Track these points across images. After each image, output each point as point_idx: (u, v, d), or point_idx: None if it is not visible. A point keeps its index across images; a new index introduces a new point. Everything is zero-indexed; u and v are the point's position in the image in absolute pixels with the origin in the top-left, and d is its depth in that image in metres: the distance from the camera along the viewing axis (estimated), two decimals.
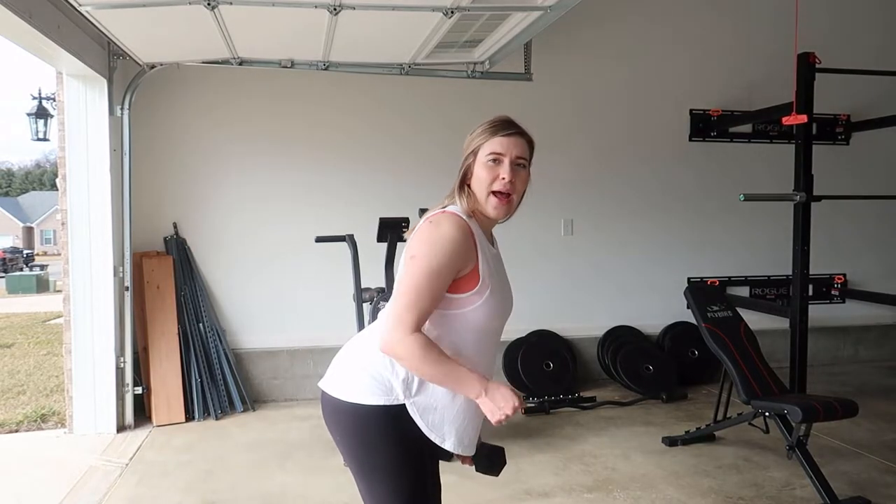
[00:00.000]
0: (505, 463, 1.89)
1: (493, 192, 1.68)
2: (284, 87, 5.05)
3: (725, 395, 3.95)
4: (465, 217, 1.67)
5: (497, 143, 1.68)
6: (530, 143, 1.74)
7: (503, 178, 1.67)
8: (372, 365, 1.68)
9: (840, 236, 6.03)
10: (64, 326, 4.45)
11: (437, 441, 1.69)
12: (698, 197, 5.86)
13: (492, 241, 1.80)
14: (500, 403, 1.58)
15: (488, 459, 1.86)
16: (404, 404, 1.65)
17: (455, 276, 1.63)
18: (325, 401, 1.75)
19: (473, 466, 1.87)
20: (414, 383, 1.66)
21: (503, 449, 1.89)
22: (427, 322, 1.63)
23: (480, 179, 1.69)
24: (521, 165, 1.70)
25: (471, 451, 1.78)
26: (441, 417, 1.68)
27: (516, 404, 1.58)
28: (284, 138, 5.14)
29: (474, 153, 1.70)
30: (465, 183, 1.72)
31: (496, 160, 1.68)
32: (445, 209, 1.69)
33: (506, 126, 1.70)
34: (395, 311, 1.60)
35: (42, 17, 3.25)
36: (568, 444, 4.13)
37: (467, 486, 3.31)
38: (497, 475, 1.89)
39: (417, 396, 1.66)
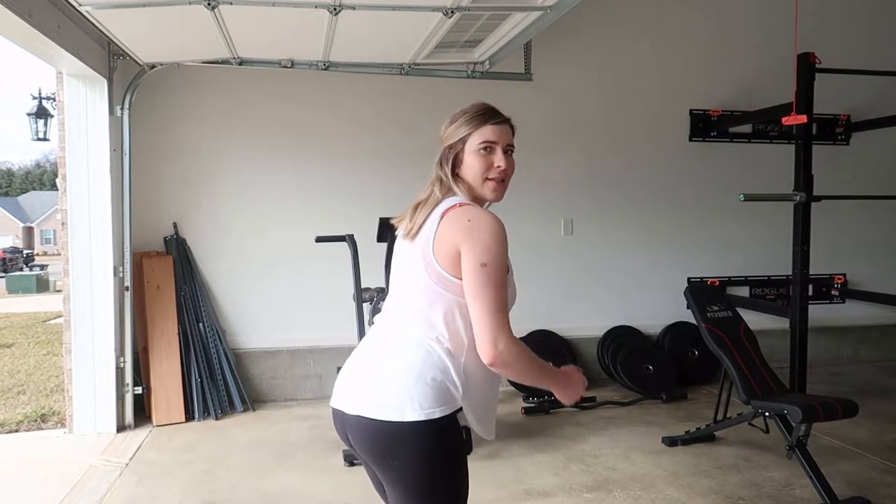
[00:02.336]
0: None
1: (488, 179, 1.71)
2: (284, 86, 5.04)
3: (725, 395, 3.94)
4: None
5: (489, 132, 1.70)
6: (513, 130, 1.77)
7: (499, 167, 1.70)
8: (425, 375, 1.59)
9: (840, 236, 6.03)
10: (64, 326, 4.45)
11: (481, 432, 1.70)
12: (698, 197, 5.86)
13: None
14: (576, 387, 1.72)
15: (468, 441, 1.88)
16: (461, 406, 1.62)
17: None
18: (376, 430, 1.59)
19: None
20: (466, 381, 1.62)
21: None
22: (445, 316, 1.61)
23: (474, 168, 1.70)
24: (509, 152, 1.73)
25: (493, 435, 1.79)
26: (483, 407, 1.69)
27: (585, 383, 1.77)
28: (284, 138, 5.14)
29: (463, 141, 1.71)
30: (453, 172, 1.72)
31: (489, 148, 1.70)
32: (462, 203, 1.68)
33: (495, 114, 1.73)
34: (492, 324, 1.54)
35: (42, 16, 3.24)
36: (568, 444, 4.13)
37: None
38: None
39: (469, 395, 1.63)
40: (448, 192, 1.71)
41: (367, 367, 1.69)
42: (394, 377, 1.60)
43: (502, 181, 1.72)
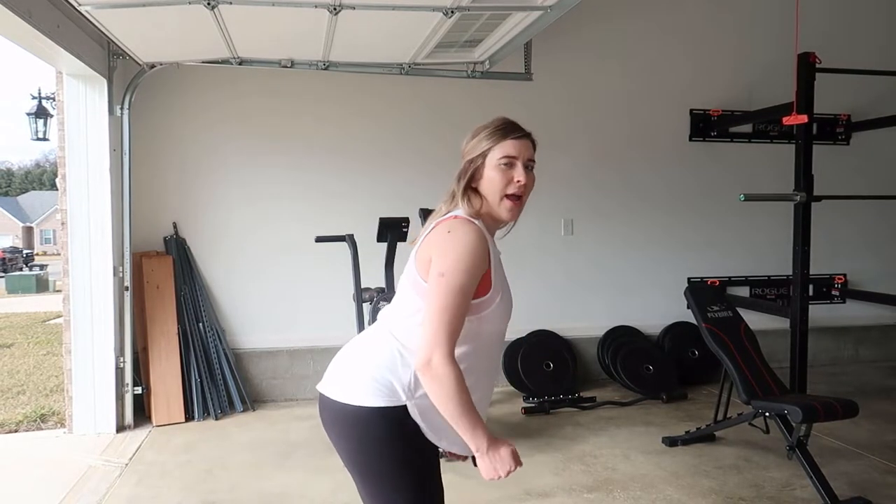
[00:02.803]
0: None
1: (507, 196, 1.69)
2: (284, 86, 5.04)
3: (725, 396, 3.94)
4: (477, 221, 1.67)
5: (510, 146, 1.69)
6: (534, 145, 1.76)
7: (518, 181, 1.68)
8: (373, 367, 1.67)
9: (840, 236, 6.03)
10: (63, 326, 4.45)
11: (434, 441, 1.69)
12: (698, 197, 5.86)
13: (493, 242, 1.80)
14: (497, 464, 1.59)
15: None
16: (406, 405, 1.64)
17: None
18: (325, 405, 1.72)
19: (473, 463, 1.85)
20: (413, 384, 1.64)
21: None
22: (411, 318, 1.65)
23: (493, 182, 1.69)
24: (530, 167, 1.72)
25: (467, 452, 1.75)
26: (434, 413, 1.65)
27: (512, 468, 1.60)
28: (284, 138, 5.14)
29: (483, 156, 1.70)
30: (469, 186, 1.71)
31: (509, 163, 1.69)
32: (457, 216, 1.67)
33: (515, 129, 1.72)
34: (432, 333, 1.55)
35: (41, 16, 3.24)
36: (568, 445, 4.13)
37: (467, 486, 3.30)
38: None
39: (419, 399, 1.64)
40: (455, 206, 1.71)
41: (342, 355, 1.80)
42: (352, 365, 1.73)
43: (519, 198, 1.70)
